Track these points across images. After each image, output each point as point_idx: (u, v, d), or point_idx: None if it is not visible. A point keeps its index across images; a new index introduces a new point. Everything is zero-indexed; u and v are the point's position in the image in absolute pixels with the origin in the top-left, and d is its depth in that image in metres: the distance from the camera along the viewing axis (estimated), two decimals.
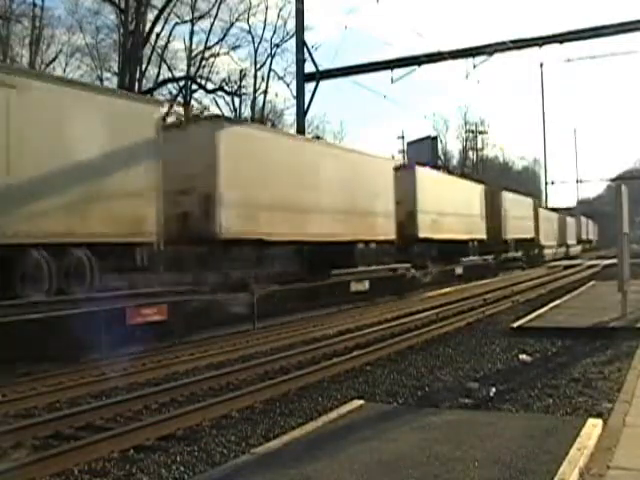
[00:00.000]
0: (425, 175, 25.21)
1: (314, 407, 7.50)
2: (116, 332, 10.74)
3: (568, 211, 61.06)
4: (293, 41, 28.04)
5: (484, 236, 31.03)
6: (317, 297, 17.59)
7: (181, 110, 33.74)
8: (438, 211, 24.87)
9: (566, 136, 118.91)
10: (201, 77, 36.63)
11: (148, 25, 32.59)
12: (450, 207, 26.28)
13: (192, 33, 37.32)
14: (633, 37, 24.50)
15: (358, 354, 10.57)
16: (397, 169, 22.98)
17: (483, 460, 4.77)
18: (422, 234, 23.64)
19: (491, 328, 13.70)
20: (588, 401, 7.20)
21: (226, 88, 36.89)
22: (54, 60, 34.65)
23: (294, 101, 27.84)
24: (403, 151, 48.69)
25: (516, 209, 36.98)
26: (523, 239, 38.52)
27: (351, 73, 25.85)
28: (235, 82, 37.58)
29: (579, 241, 64.48)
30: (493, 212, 32.73)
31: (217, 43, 37.55)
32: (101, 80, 34.79)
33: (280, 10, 38.91)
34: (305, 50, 25.34)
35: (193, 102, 35.55)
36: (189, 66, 37.21)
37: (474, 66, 24.20)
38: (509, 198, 36.29)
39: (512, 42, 23.18)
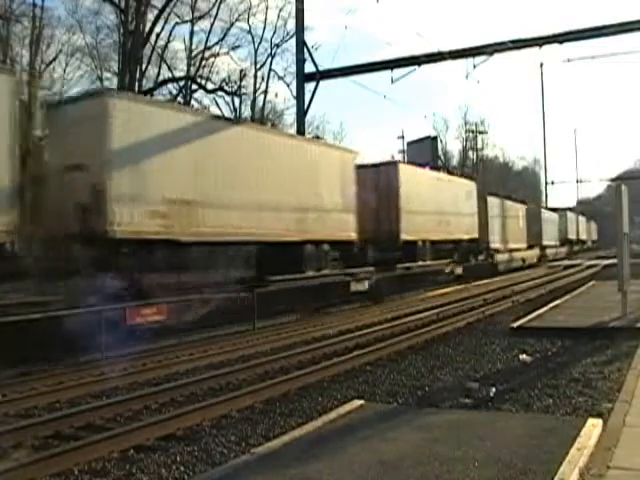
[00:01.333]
0: (140, 111, 12.70)
1: (314, 407, 7.50)
2: (116, 332, 10.74)
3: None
4: (293, 41, 28.04)
5: (352, 235, 19.09)
6: None
7: None
8: (199, 189, 13.67)
9: (566, 136, 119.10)
10: (201, 77, 36.61)
11: (148, 25, 32.57)
12: (242, 182, 14.80)
13: (192, 33, 37.29)
14: (633, 37, 24.56)
15: (358, 354, 10.57)
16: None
17: (483, 460, 4.77)
18: (119, 228, 11.95)
19: (491, 328, 13.69)
20: (588, 401, 7.20)
21: (226, 88, 36.86)
22: (54, 60, 34.59)
23: (294, 101, 27.86)
24: (403, 151, 48.65)
25: (436, 195, 24.85)
26: (455, 240, 27.02)
27: (351, 73, 25.83)
28: (235, 82, 37.54)
29: (564, 241, 52.74)
30: (382, 198, 21.39)
31: (217, 43, 37.53)
32: (101, 80, 34.80)
33: (280, 10, 38.86)
34: (305, 50, 25.34)
35: (193, 102, 35.56)
36: (189, 66, 37.17)
37: (474, 66, 24.18)
38: (416, 177, 23.77)
39: (512, 42, 23.18)
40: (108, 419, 7.30)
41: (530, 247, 40.05)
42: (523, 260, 37.67)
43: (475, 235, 29.41)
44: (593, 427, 5.53)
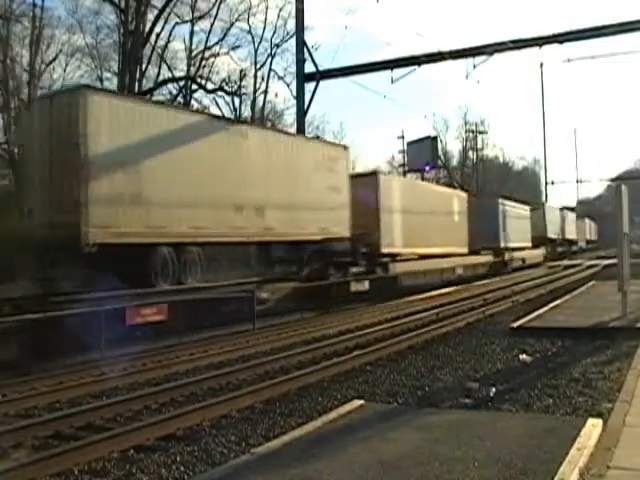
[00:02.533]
0: None
1: (314, 407, 7.50)
2: (116, 332, 10.74)
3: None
4: (293, 41, 28.04)
5: None
6: None
7: None
8: None
9: (566, 136, 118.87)
10: (201, 77, 36.58)
11: (148, 25, 32.53)
12: None
13: (192, 33, 37.26)
14: (633, 37, 24.56)
15: (358, 354, 10.56)
16: None
17: (483, 460, 4.77)
18: None
19: (491, 328, 13.69)
20: (588, 401, 7.19)
21: (226, 88, 36.84)
22: (54, 60, 34.56)
23: (294, 101, 27.87)
24: (403, 151, 48.63)
25: (234, 164, 15.04)
26: (297, 241, 17.23)
27: (351, 73, 25.84)
28: (235, 82, 37.50)
29: (542, 242, 42.86)
30: (56, 162, 12.01)
31: (217, 43, 37.51)
32: (101, 80, 34.78)
33: (280, 10, 38.81)
34: (305, 50, 25.34)
35: (193, 102, 35.55)
36: (189, 66, 37.15)
37: (474, 66, 24.21)
38: (159, 122, 13.20)
39: (512, 42, 23.19)
40: (108, 419, 7.30)
41: (474, 252, 30.15)
42: (462, 269, 28.06)
43: (344, 233, 19.08)
44: (593, 427, 5.53)
